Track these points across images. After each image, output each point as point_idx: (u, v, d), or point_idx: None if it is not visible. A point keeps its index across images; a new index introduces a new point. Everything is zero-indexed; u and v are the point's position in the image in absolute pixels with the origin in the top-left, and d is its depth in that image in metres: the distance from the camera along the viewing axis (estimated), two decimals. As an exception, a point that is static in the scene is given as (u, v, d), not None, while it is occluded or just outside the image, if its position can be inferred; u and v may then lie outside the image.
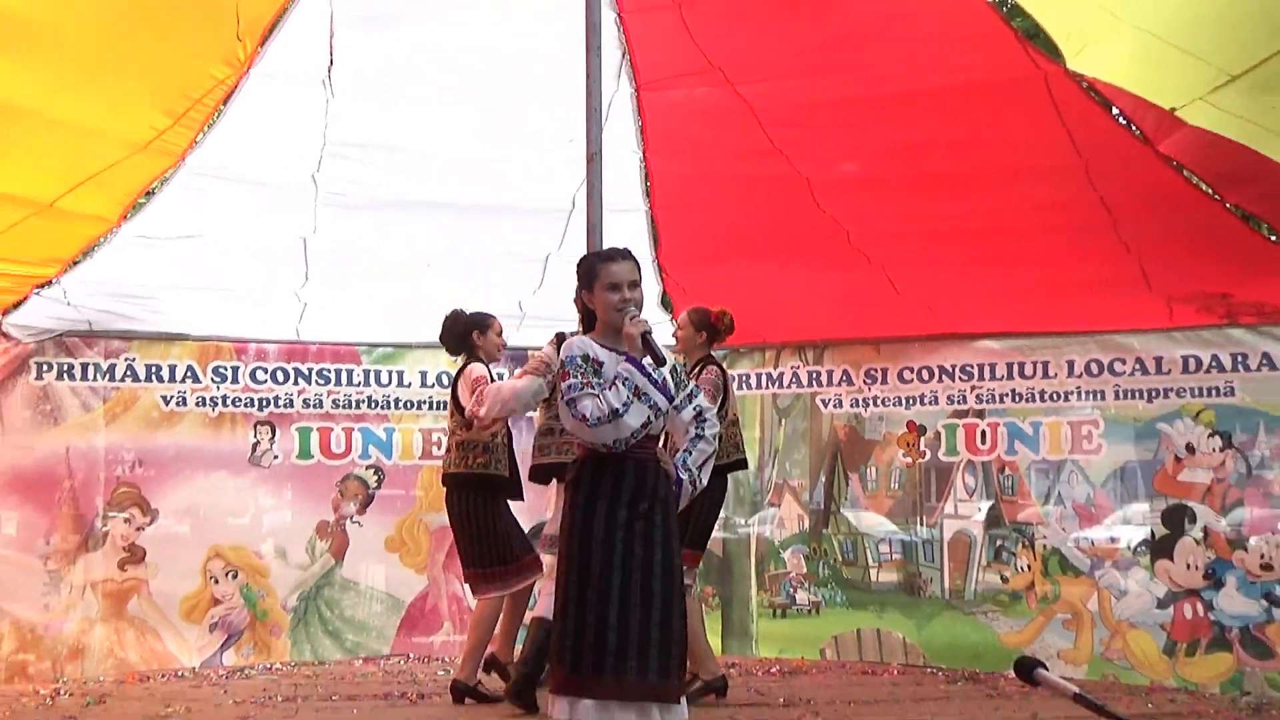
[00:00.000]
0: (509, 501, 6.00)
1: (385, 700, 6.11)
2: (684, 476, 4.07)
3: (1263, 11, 4.34)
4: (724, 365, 6.21)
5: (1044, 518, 7.03)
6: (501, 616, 6.04)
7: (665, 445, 4.52)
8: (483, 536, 5.90)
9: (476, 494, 5.91)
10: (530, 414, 6.60)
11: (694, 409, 4.12)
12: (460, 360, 6.04)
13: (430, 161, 6.61)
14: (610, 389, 3.88)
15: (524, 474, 6.10)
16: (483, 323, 6.01)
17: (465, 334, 5.99)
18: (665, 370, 3.97)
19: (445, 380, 7.24)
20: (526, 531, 6.20)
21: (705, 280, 7.09)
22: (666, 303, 7.85)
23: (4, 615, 6.66)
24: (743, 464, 6.31)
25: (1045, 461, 7.07)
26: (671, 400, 3.96)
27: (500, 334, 6.10)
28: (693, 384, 4.28)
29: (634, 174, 6.90)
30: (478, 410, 5.53)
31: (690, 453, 4.11)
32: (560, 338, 5.20)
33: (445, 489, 6.05)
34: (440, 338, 6.08)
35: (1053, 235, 6.33)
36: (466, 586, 6.61)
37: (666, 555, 3.93)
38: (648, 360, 3.92)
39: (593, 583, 3.90)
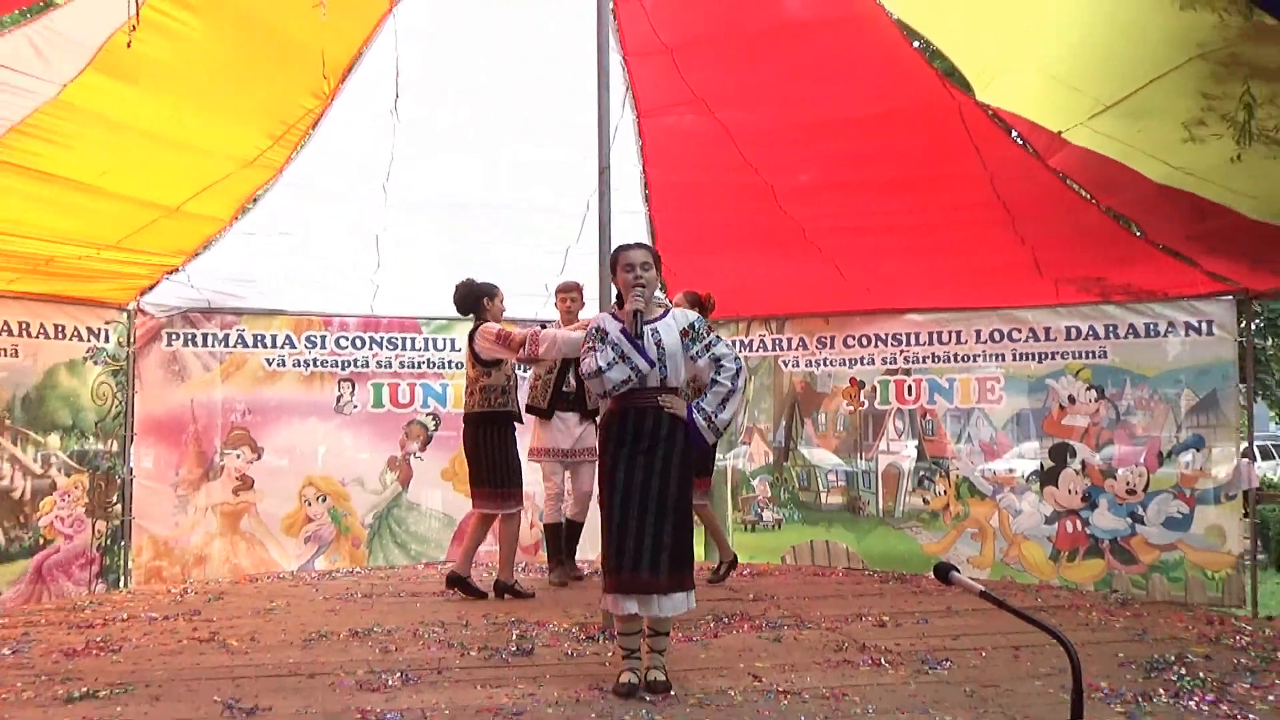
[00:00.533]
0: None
1: (441, 596, 6.17)
2: (697, 416, 4.00)
3: (1130, 55, 4.31)
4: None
5: (957, 453, 7.07)
6: (470, 535, 6.06)
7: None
8: (503, 463, 5.90)
9: (499, 428, 5.91)
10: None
11: (710, 358, 4.04)
12: (472, 320, 5.98)
13: (476, 173, 6.57)
14: (601, 352, 3.94)
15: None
16: (492, 291, 5.96)
17: (479, 299, 5.93)
18: (649, 339, 3.94)
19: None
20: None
21: (692, 267, 7.06)
22: (661, 285, 7.82)
23: (143, 531, 6.73)
24: None
25: (958, 409, 7.10)
26: (652, 364, 3.93)
27: (502, 301, 6.02)
28: (712, 335, 4.14)
29: (636, 183, 6.88)
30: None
31: (706, 394, 4.03)
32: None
33: (468, 425, 6.00)
34: (455, 301, 5.97)
35: (964, 230, 6.32)
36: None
37: (663, 483, 3.91)
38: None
39: (608, 504, 3.97)
